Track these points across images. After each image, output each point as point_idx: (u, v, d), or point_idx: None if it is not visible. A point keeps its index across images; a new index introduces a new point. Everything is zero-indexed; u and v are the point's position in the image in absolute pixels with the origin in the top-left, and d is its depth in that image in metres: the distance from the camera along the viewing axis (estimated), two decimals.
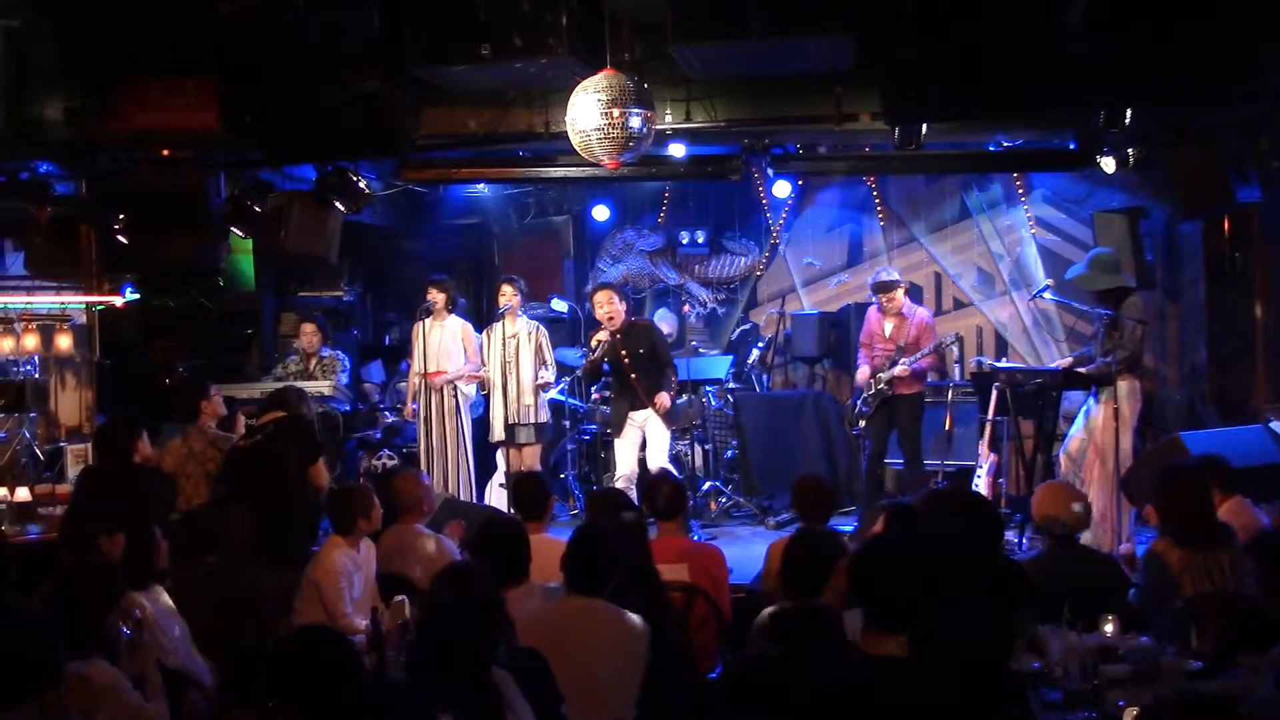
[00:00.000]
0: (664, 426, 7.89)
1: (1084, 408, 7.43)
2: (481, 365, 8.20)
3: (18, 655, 3.17)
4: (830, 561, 4.16)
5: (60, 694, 3.26)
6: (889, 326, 8.09)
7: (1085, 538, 5.28)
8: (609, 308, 7.84)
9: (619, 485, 7.80)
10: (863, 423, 8.17)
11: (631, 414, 7.90)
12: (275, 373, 8.73)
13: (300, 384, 7.91)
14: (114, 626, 3.92)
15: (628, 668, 4.01)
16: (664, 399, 7.76)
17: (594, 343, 7.90)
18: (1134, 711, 3.18)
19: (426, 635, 3.42)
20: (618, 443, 8.06)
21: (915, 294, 9.99)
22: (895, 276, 8.22)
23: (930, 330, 8.12)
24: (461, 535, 5.91)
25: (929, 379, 8.39)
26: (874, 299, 8.26)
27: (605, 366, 7.94)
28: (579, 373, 8.76)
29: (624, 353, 7.82)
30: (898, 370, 7.88)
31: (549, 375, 8.23)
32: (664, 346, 8.08)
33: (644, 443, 8.01)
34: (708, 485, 8.97)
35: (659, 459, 7.89)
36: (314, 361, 8.65)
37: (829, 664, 3.15)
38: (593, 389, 9.15)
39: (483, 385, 8.27)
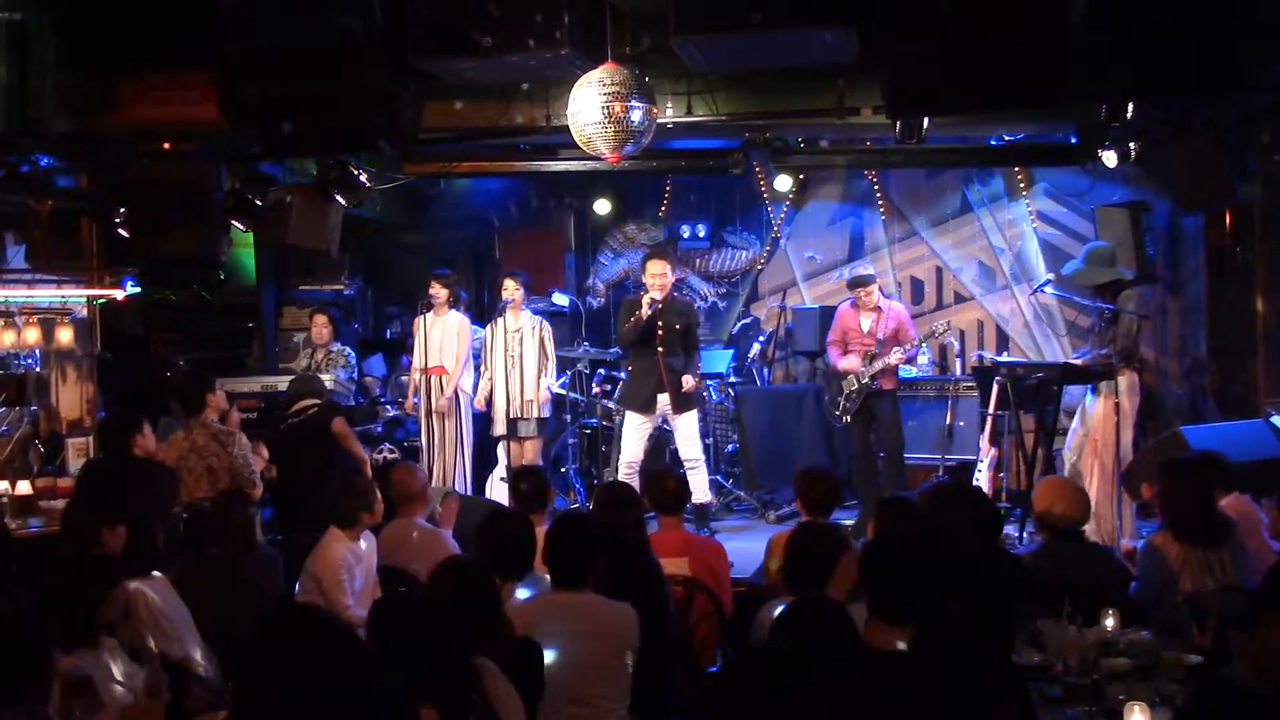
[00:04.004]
0: (691, 415, 7.87)
1: (1081, 404, 7.44)
2: (473, 364, 8.24)
3: (7, 651, 3.15)
4: (831, 555, 4.15)
5: (54, 690, 3.26)
6: (866, 321, 8.11)
7: (1086, 531, 5.27)
8: (662, 279, 7.81)
9: (622, 471, 7.80)
10: (846, 418, 8.13)
11: (659, 396, 7.82)
12: (294, 365, 8.79)
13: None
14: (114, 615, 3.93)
15: (618, 658, 3.99)
16: (689, 381, 7.80)
17: (645, 300, 7.78)
18: (1134, 706, 3.17)
19: (406, 628, 3.24)
20: (627, 425, 7.93)
21: (917, 288, 10.06)
22: (871, 271, 8.30)
23: (908, 322, 8.20)
24: (455, 514, 5.94)
25: (916, 373, 8.64)
26: (849, 295, 8.29)
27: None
28: (620, 334, 8.18)
29: (660, 324, 7.80)
30: (894, 358, 7.89)
31: (554, 384, 8.23)
32: (696, 330, 8.08)
33: (654, 433, 8.02)
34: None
35: (691, 449, 7.91)
36: (321, 353, 8.67)
37: (839, 658, 3.12)
38: (593, 381, 9.14)
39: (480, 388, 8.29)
